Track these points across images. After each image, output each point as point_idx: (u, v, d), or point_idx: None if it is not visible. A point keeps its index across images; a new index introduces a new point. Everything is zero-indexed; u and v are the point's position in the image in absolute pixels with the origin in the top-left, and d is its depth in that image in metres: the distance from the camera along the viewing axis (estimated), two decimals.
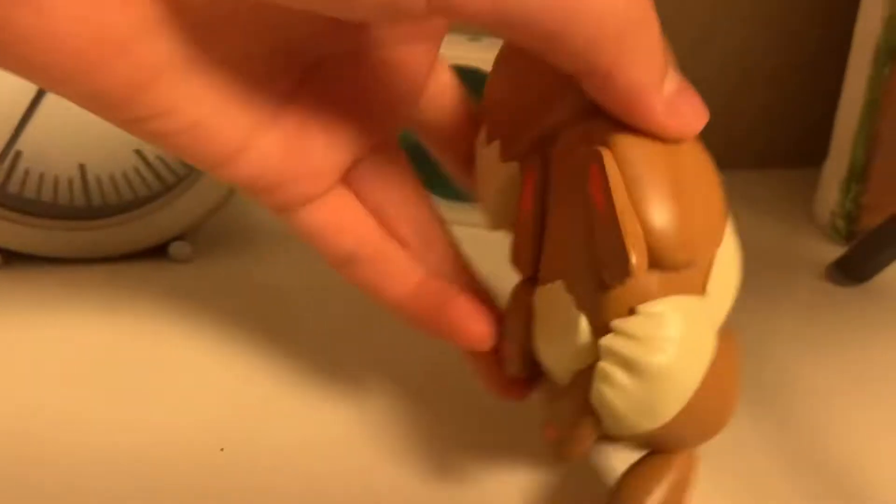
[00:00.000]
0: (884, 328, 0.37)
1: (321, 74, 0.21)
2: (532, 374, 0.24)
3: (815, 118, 0.51)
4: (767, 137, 0.54)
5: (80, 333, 0.35)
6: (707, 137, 0.57)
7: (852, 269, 0.40)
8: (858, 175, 0.43)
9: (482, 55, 0.40)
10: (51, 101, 0.37)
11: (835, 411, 0.32)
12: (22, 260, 0.40)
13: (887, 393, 0.33)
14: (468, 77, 0.40)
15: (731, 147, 0.54)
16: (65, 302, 0.38)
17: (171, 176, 0.40)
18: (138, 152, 0.39)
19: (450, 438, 0.30)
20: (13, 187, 0.38)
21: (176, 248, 0.41)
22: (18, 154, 0.38)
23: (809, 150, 0.52)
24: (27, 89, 0.36)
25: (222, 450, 0.29)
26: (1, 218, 0.38)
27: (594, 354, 0.19)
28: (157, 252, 0.41)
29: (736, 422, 0.27)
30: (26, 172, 0.38)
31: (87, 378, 0.33)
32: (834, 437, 0.30)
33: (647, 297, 0.19)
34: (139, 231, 0.40)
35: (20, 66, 0.18)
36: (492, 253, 0.28)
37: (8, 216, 0.38)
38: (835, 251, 0.43)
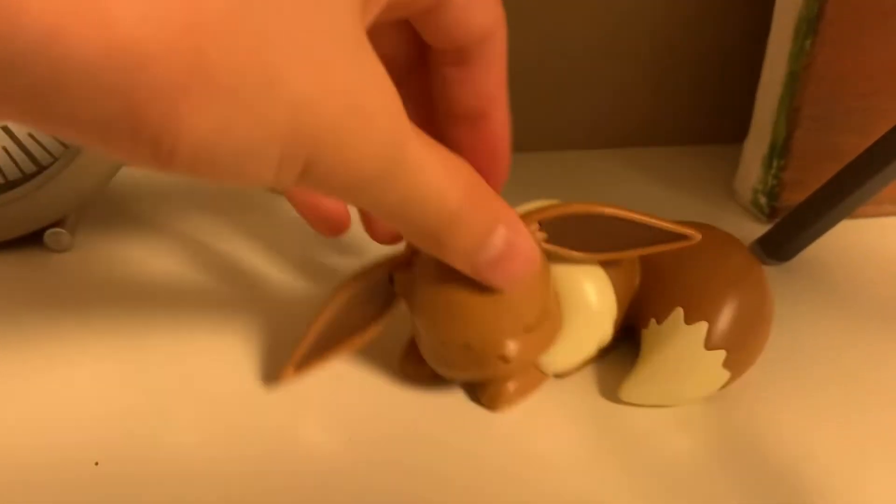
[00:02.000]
0: (806, 307, 0.37)
1: None
2: None
3: (737, 94, 0.50)
4: (688, 113, 0.53)
5: None
6: (628, 114, 0.56)
7: (775, 248, 0.39)
8: (780, 150, 0.43)
9: None
10: None
11: (755, 390, 0.31)
12: None
13: (808, 370, 0.33)
14: None
15: (651, 124, 0.53)
16: None
17: (46, 156, 0.36)
18: (6, 129, 0.35)
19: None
20: None
21: (52, 236, 0.37)
22: None
23: (731, 126, 0.51)
24: None
25: (97, 464, 0.26)
26: None
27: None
28: (31, 240, 0.37)
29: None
30: None
31: None
32: (756, 416, 0.30)
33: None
34: (10, 217, 0.36)
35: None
36: None
37: None
38: (757, 228, 0.42)
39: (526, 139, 0.50)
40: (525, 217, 0.29)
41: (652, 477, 0.28)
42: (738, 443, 0.30)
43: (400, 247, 0.30)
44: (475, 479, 0.28)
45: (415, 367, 0.32)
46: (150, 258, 0.38)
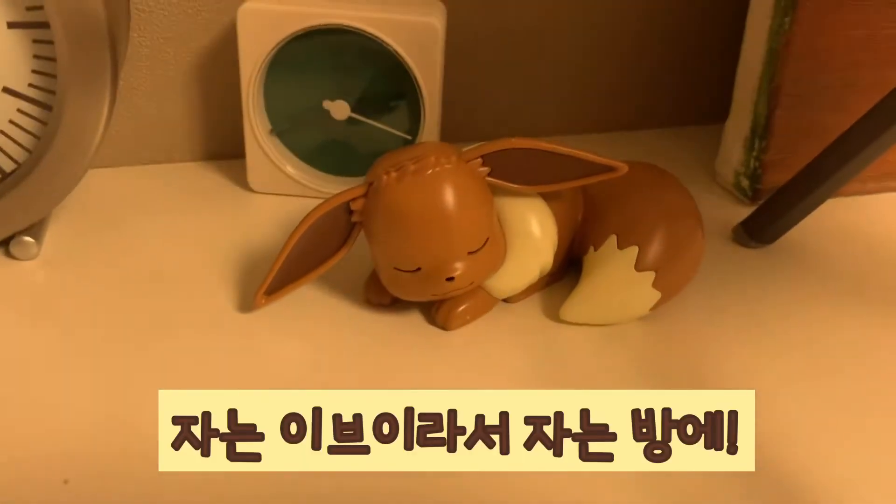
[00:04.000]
0: (790, 289, 0.38)
1: None
2: None
3: (718, 75, 0.51)
4: (668, 96, 0.55)
5: None
6: (609, 97, 0.57)
7: (758, 231, 0.40)
8: (761, 131, 0.43)
9: (359, 14, 0.40)
10: None
11: (739, 370, 0.33)
12: None
13: (791, 350, 0.35)
14: (343, 39, 0.40)
15: (633, 107, 0.54)
16: None
17: (9, 162, 0.37)
18: None
19: None
20: None
21: (19, 245, 0.37)
22: None
23: (711, 107, 0.52)
24: None
25: (66, 482, 0.27)
26: None
27: None
28: None
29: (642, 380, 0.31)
30: None
31: None
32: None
33: None
34: None
35: None
36: None
37: None
38: (741, 211, 0.42)
39: (511, 125, 0.52)
40: (469, 152, 0.32)
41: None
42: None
43: (359, 180, 0.34)
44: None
45: (376, 294, 0.35)
46: (121, 261, 0.38)
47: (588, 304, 0.34)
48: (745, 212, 0.42)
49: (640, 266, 0.33)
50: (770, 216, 0.40)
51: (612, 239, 0.34)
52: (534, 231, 0.34)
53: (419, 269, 0.32)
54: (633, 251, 0.33)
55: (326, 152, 0.45)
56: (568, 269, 0.37)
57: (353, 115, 0.43)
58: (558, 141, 0.33)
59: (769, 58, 0.42)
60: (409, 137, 0.43)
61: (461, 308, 0.34)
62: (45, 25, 0.34)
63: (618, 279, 0.34)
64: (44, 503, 0.26)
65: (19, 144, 0.37)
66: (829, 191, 0.38)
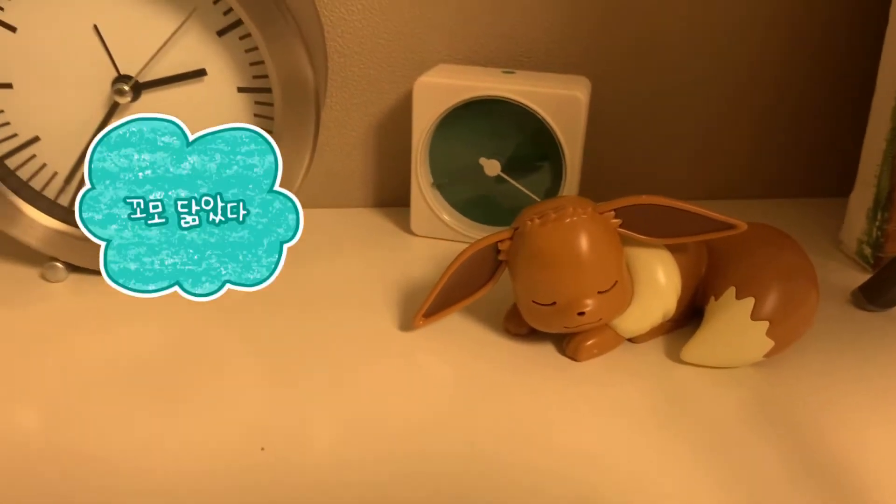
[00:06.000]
0: None
1: None
2: None
3: (843, 150, 0.54)
4: (798, 169, 0.58)
5: (135, 341, 0.40)
6: (738, 167, 0.61)
7: (876, 296, 0.43)
8: (884, 202, 0.46)
9: (514, 87, 0.47)
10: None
11: (857, 433, 0.35)
12: (85, 273, 0.46)
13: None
14: (500, 107, 0.47)
15: (763, 177, 0.58)
16: (119, 313, 0.42)
17: None
18: None
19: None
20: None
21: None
22: None
23: (838, 182, 0.55)
24: (92, 117, 0.43)
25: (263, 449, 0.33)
26: (69, 235, 0.44)
27: None
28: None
29: (758, 438, 0.34)
30: None
31: (135, 381, 0.37)
32: (857, 459, 0.33)
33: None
34: None
35: None
36: None
37: (74, 234, 0.44)
38: (862, 278, 0.45)
39: (642, 186, 0.55)
40: (603, 205, 0.37)
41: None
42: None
43: (505, 226, 0.39)
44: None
45: (515, 325, 0.41)
46: (305, 285, 0.45)
47: (706, 347, 0.38)
48: (865, 278, 0.44)
49: (755, 315, 0.37)
50: (888, 282, 0.42)
51: (731, 290, 0.38)
52: (659, 279, 0.39)
53: (554, 303, 0.37)
54: (750, 302, 0.37)
55: (477, 204, 0.51)
56: (692, 317, 0.41)
57: (502, 175, 0.49)
58: (688, 202, 0.37)
59: (892, 136, 0.45)
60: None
61: (590, 342, 0.39)
62: (266, 90, 0.42)
63: (734, 326, 0.37)
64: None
65: None
66: None
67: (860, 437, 0.34)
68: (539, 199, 0.49)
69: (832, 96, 0.56)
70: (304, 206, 0.39)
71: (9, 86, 0.42)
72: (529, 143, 0.49)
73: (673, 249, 0.39)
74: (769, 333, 0.37)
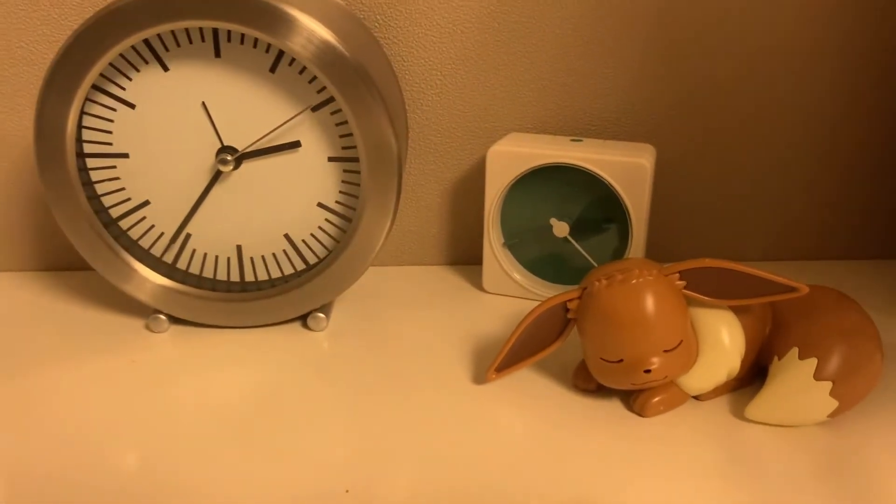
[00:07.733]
0: None
1: None
2: None
3: None
4: (872, 231, 0.59)
5: (230, 387, 0.44)
6: (806, 229, 0.62)
7: None
8: None
9: (582, 154, 0.50)
10: (215, 192, 0.47)
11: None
12: (185, 324, 0.50)
13: None
14: (568, 173, 0.50)
15: (833, 240, 0.60)
16: (216, 361, 0.46)
17: (313, 257, 0.49)
18: (287, 237, 0.49)
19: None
20: (182, 264, 0.50)
21: (313, 320, 0.50)
22: (188, 236, 0.49)
23: None
24: (197, 183, 0.47)
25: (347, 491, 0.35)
26: (172, 290, 0.49)
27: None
28: (297, 321, 0.50)
29: (824, 499, 0.34)
30: (193, 252, 0.49)
31: (239, 424, 0.40)
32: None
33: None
34: (284, 304, 0.49)
35: None
36: None
37: (177, 288, 0.49)
38: None
39: (706, 249, 0.59)
40: (668, 268, 0.39)
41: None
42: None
43: (569, 288, 0.42)
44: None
45: (583, 380, 0.43)
46: (383, 339, 0.49)
47: (770, 406, 0.39)
48: None
49: (818, 375, 0.38)
50: None
51: (795, 350, 0.39)
52: (723, 339, 0.40)
53: (622, 360, 0.39)
54: (813, 362, 0.38)
55: (546, 264, 0.54)
56: (756, 375, 0.42)
57: (568, 238, 0.52)
58: (751, 265, 0.39)
59: None
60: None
61: (657, 399, 0.40)
62: (354, 160, 0.46)
63: (798, 385, 0.39)
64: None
65: (323, 245, 0.49)
66: None
67: None
68: (599, 263, 0.51)
69: None
70: (384, 264, 0.42)
71: (126, 155, 0.47)
72: (597, 206, 0.52)
73: (737, 310, 0.41)
74: (833, 393, 0.38)
